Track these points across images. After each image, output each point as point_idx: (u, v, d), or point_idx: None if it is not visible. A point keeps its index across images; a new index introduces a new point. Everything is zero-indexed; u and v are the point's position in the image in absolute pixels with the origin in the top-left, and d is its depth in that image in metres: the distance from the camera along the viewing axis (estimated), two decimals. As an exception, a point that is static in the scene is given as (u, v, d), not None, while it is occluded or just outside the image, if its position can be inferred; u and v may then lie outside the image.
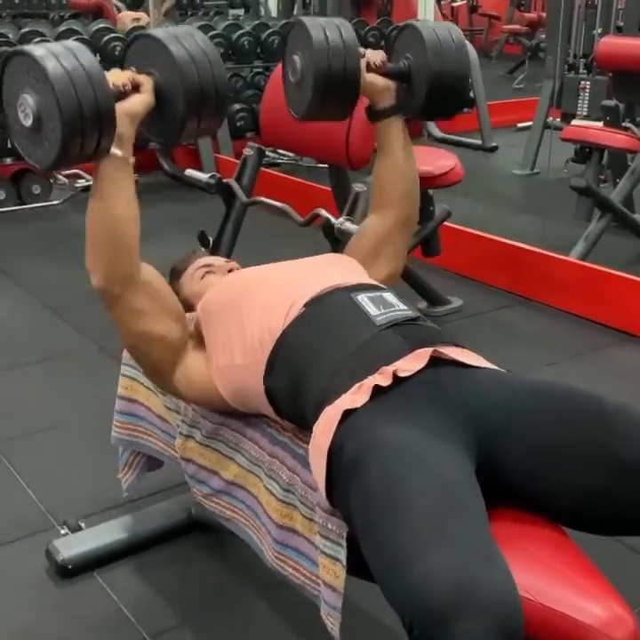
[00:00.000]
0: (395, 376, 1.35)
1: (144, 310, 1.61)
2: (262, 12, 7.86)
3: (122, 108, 1.48)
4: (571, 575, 1.20)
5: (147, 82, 1.52)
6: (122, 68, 1.57)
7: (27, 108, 1.39)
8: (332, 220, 1.97)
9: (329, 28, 1.66)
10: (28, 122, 1.40)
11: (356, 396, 1.34)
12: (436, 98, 1.73)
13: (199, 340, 1.70)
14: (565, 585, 1.19)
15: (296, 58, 1.72)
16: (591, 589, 1.18)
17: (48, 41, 5.04)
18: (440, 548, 1.09)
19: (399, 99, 1.76)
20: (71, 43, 1.44)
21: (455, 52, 1.71)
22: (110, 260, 1.55)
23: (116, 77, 1.50)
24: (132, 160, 1.52)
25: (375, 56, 1.77)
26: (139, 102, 1.51)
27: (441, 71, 1.70)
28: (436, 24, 1.78)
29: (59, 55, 1.38)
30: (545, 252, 3.80)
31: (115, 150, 1.47)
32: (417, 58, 1.73)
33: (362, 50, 1.73)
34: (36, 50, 1.39)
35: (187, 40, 1.50)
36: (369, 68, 1.74)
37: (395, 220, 1.82)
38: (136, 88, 1.52)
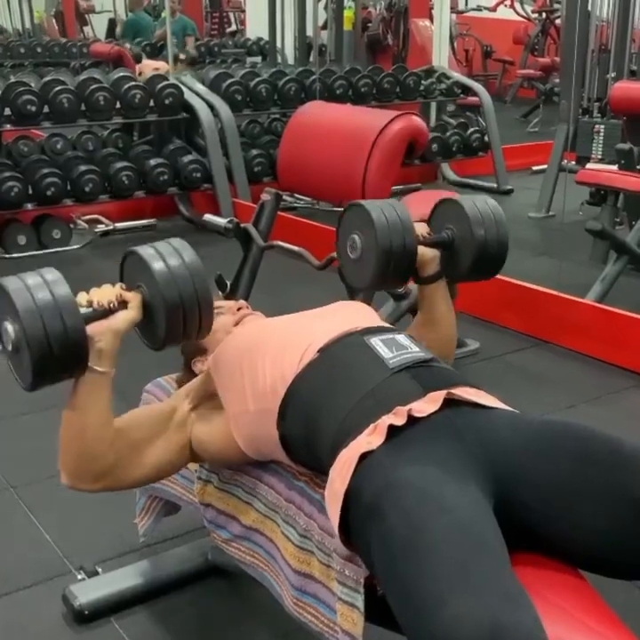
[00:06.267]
0: (409, 416, 1.36)
1: (132, 470, 1.62)
2: (279, 59, 7.98)
3: (105, 324, 1.50)
4: (590, 622, 1.19)
5: (134, 298, 1.53)
6: (122, 279, 1.59)
7: (6, 335, 1.44)
8: (349, 264, 1.98)
9: (385, 209, 1.77)
10: (9, 347, 1.45)
11: (371, 438, 1.35)
12: (480, 265, 1.83)
13: (207, 399, 1.70)
14: (586, 632, 1.17)
15: (355, 237, 1.82)
16: (611, 638, 1.16)
17: (69, 89, 5.12)
18: (467, 592, 1.08)
19: (442, 265, 1.84)
20: (50, 274, 1.45)
21: (495, 222, 1.82)
22: (78, 466, 1.56)
23: (102, 296, 1.52)
24: (112, 372, 1.53)
25: (420, 228, 1.84)
26: (123, 319, 1.52)
27: (485, 241, 1.80)
28: (472, 197, 1.88)
29: (32, 288, 1.40)
30: (561, 294, 3.80)
31: (92, 365, 1.49)
32: (460, 229, 1.82)
33: None
34: (12, 283, 1.42)
35: (172, 258, 1.53)
36: (417, 241, 1.81)
37: None
38: (124, 303, 1.53)
